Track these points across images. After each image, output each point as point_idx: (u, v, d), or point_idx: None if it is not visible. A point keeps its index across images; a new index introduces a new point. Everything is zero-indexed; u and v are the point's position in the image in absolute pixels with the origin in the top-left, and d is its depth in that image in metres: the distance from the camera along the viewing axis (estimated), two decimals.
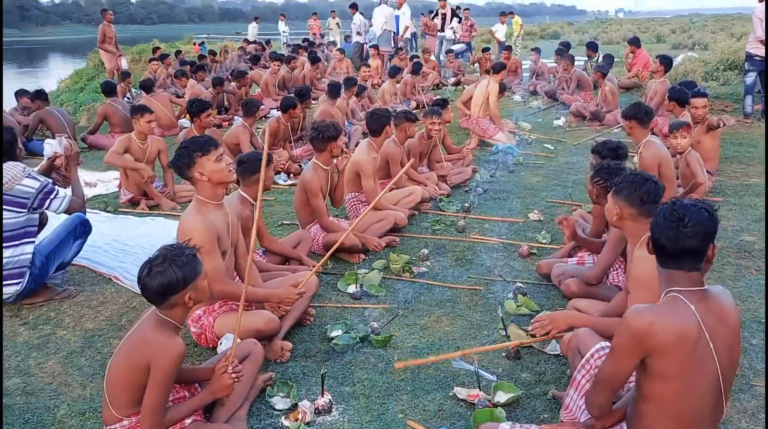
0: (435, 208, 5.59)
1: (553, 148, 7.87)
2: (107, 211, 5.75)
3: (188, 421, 2.35)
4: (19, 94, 9.16)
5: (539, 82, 11.82)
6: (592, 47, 11.90)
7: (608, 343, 2.32)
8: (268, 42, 20.08)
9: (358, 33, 15.16)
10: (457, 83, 13.00)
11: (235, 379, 2.39)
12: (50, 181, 3.62)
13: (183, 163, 2.91)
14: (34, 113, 8.21)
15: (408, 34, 14.76)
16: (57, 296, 3.75)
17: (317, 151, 4.39)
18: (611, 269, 3.52)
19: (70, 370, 3.04)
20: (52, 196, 3.54)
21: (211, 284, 2.88)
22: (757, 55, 8.13)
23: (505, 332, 3.27)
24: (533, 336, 2.94)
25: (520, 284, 3.90)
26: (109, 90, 8.70)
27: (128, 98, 11.17)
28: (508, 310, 3.59)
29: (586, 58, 11.93)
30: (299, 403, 2.67)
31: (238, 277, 3.28)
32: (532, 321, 2.88)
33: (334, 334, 3.30)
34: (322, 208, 4.34)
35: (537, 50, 12.42)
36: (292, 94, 8.62)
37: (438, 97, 11.46)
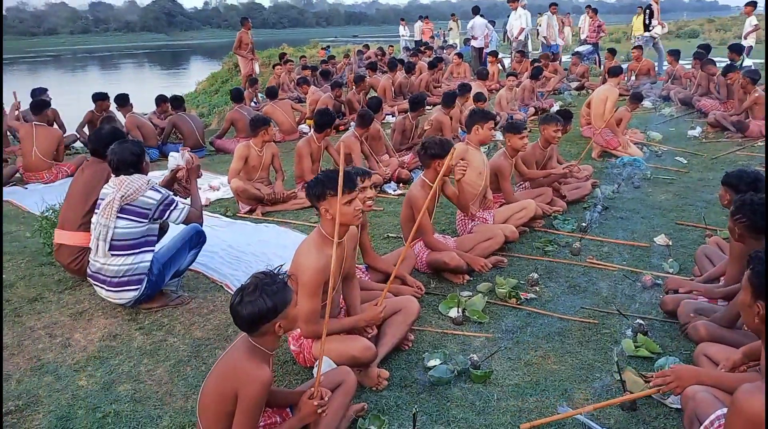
0: (548, 226, 5.28)
1: (686, 161, 7.20)
2: (227, 216, 6.02)
3: None
4: (160, 99, 9.94)
5: (674, 87, 10.89)
6: (735, 50, 10.78)
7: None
8: (390, 46, 20.42)
9: (474, 37, 14.89)
10: (581, 88, 12.33)
11: (323, 408, 2.35)
12: (171, 193, 3.84)
13: (314, 193, 2.94)
14: (168, 118, 8.94)
15: (522, 37, 14.26)
16: (172, 303, 3.94)
17: (424, 166, 4.31)
18: None
19: (176, 379, 3.15)
20: (172, 208, 3.74)
21: (303, 324, 2.91)
22: None
23: (620, 377, 2.95)
24: (653, 386, 2.63)
25: (641, 321, 3.52)
26: (237, 97, 9.29)
27: (255, 103, 11.76)
28: (626, 349, 3.26)
29: (729, 63, 10.82)
30: None
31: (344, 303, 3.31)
32: (654, 373, 2.57)
33: (431, 363, 3.17)
34: (427, 225, 4.22)
35: (675, 53, 11.37)
36: (407, 100, 8.61)
37: (559, 102, 10.99)
